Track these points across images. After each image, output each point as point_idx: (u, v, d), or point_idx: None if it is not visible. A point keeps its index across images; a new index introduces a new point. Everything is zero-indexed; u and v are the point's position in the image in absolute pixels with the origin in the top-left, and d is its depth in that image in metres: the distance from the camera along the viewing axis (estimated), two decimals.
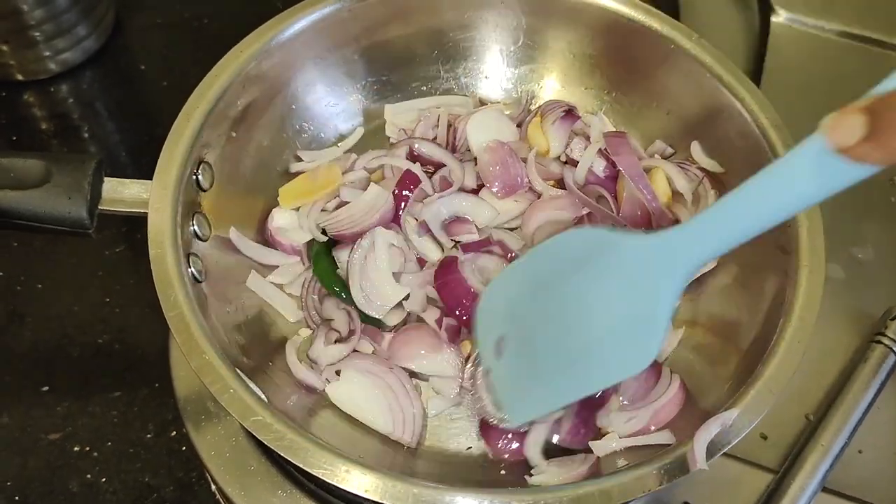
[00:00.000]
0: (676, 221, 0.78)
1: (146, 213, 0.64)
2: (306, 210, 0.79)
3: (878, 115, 0.42)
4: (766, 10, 1.09)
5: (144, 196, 0.65)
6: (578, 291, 0.60)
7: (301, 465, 0.55)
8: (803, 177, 0.47)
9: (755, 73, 1.00)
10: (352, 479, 0.55)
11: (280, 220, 0.79)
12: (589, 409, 0.68)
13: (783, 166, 0.49)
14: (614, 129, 0.86)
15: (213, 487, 0.75)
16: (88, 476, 0.78)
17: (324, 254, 0.77)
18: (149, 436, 0.80)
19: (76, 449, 0.79)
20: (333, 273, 0.76)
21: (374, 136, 0.88)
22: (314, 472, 0.54)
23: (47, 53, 1.02)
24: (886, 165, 0.43)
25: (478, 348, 0.69)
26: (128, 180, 0.66)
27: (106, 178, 0.66)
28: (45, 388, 0.82)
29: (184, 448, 0.79)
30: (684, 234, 0.55)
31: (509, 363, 0.64)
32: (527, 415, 0.65)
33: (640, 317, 0.56)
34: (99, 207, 0.65)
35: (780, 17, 1.09)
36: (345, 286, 0.74)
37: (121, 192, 0.66)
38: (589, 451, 0.66)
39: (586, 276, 0.59)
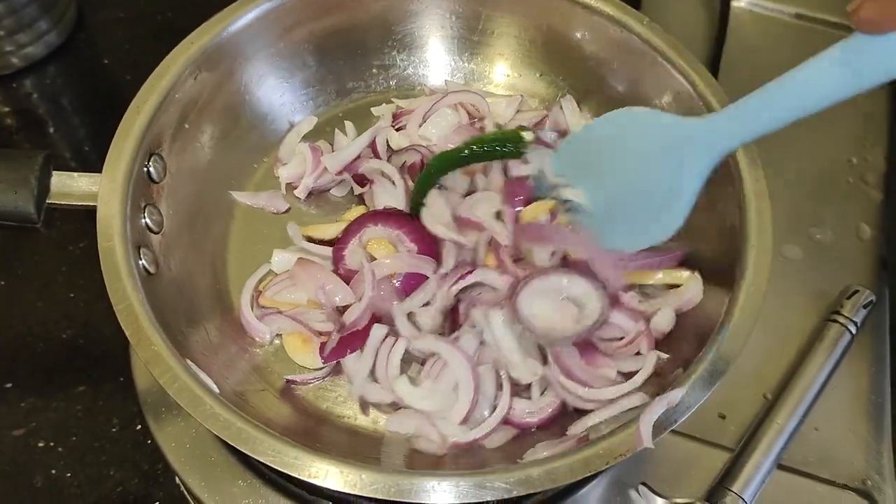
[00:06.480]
0: None
1: (96, 206, 0.64)
2: None
3: None
4: None
5: (94, 189, 0.65)
6: (630, 160, 0.68)
7: (249, 454, 0.55)
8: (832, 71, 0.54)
9: (714, 57, 1.00)
10: (300, 465, 0.55)
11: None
12: None
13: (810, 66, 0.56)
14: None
15: (177, 479, 0.75)
16: (53, 471, 0.78)
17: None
18: (113, 429, 0.80)
19: (41, 444, 0.79)
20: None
21: (327, 126, 0.87)
22: (263, 460, 0.55)
23: (9, 48, 1.02)
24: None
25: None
26: (76, 174, 0.66)
27: (55, 172, 0.66)
28: (9, 385, 0.82)
29: (149, 441, 0.79)
30: (716, 124, 0.63)
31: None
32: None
33: (674, 190, 0.65)
34: (47, 201, 0.65)
35: (739, 2, 1.10)
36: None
37: (69, 186, 0.66)
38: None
39: (636, 148, 0.68)
